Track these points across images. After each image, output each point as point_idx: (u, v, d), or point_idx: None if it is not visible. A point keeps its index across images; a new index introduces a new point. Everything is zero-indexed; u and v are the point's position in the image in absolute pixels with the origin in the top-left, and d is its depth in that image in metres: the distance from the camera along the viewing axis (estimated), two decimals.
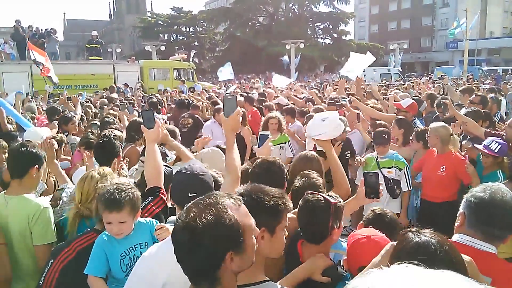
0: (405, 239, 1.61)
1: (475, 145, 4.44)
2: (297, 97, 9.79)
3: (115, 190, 2.24)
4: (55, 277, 2.19)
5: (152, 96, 12.65)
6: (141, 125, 2.68)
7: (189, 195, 1.95)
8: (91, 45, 20.31)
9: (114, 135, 3.69)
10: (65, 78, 16.61)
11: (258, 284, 1.67)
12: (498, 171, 3.96)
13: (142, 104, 9.90)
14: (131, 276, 1.95)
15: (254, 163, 2.83)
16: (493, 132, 4.56)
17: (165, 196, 2.59)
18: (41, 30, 19.28)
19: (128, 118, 6.41)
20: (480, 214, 2.00)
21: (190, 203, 1.42)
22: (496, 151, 3.95)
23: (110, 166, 3.42)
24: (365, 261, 1.94)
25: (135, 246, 2.32)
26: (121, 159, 3.66)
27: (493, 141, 4.03)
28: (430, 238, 1.56)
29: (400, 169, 4.68)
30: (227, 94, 2.91)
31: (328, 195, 2.27)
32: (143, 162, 3.83)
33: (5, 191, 2.88)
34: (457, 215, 2.13)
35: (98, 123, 6.25)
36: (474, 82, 17.86)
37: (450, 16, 48.88)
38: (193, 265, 1.35)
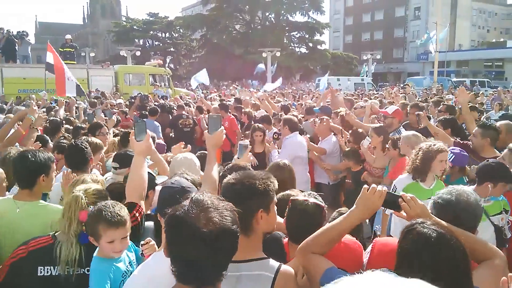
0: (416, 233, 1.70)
1: None
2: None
3: (111, 205, 2.17)
4: (5, 270, 2.17)
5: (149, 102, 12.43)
6: (132, 137, 2.58)
7: None
8: (64, 49, 19.84)
9: (80, 143, 3.61)
10: (37, 81, 16.23)
11: (260, 260, 1.86)
12: (464, 178, 4.17)
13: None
14: None
15: (226, 167, 2.91)
16: (462, 142, 4.75)
17: (139, 213, 2.44)
18: (11, 32, 18.78)
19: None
20: (447, 215, 2.11)
21: (193, 206, 1.42)
22: (450, 160, 4.09)
23: (80, 171, 3.37)
24: (338, 264, 2.02)
25: (130, 264, 2.25)
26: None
27: (449, 151, 4.15)
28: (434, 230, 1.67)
29: (507, 212, 3.47)
30: (212, 114, 3.01)
31: (315, 197, 2.42)
32: (115, 168, 3.78)
33: (13, 194, 2.82)
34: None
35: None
36: (445, 93, 18.50)
37: (421, 28, 50.52)
38: (213, 266, 1.41)
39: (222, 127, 2.65)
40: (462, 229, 1.98)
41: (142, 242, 2.27)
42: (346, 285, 0.71)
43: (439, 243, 1.62)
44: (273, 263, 1.89)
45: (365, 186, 1.98)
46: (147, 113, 8.72)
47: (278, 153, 5.75)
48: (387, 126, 6.14)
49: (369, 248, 2.28)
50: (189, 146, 4.50)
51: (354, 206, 1.97)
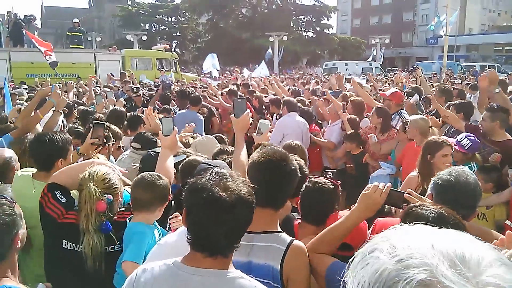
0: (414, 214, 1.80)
1: (447, 139, 4.64)
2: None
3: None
4: None
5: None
6: (160, 132, 2.74)
7: None
8: (72, 33, 19.82)
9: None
10: (45, 66, 16.27)
11: (274, 233, 1.95)
12: (471, 163, 4.15)
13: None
14: (143, 264, 1.98)
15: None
16: (474, 125, 4.72)
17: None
18: (19, 16, 18.76)
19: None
20: (446, 195, 2.18)
21: (212, 177, 1.51)
22: (466, 148, 4.11)
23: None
24: (345, 239, 2.07)
25: (161, 235, 2.41)
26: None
27: (465, 137, 4.18)
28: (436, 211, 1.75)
29: None
30: (237, 97, 3.07)
31: (331, 179, 2.50)
32: (134, 148, 3.89)
33: (33, 172, 2.80)
34: (425, 196, 2.31)
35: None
36: (455, 76, 18.33)
37: (431, 12, 49.64)
38: (227, 235, 1.47)
39: (248, 110, 2.68)
40: (462, 209, 2.03)
41: (170, 217, 2.42)
42: (396, 233, 0.72)
43: (438, 221, 1.65)
44: (286, 237, 1.94)
45: (369, 184, 2.01)
46: (169, 107, 7.64)
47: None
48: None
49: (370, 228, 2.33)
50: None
51: (357, 204, 2.00)
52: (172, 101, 8.35)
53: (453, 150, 4.29)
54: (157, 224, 2.46)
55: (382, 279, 0.63)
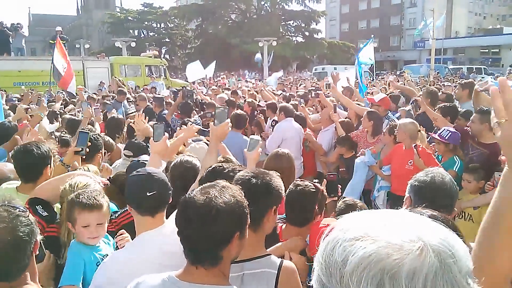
0: None
1: (430, 133, 4.78)
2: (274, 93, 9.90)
3: (89, 191, 2.21)
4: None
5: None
6: (151, 138, 2.80)
7: (148, 194, 1.95)
8: (55, 41, 19.68)
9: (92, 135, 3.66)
10: (32, 74, 16.16)
11: (262, 257, 1.87)
12: (454, 157, 4.37)
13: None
14: (91, 284, 1.92)
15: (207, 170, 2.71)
16: (462, 127, 4.77)
17: None
18: (5, 24, 18.57)
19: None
20: (424, 196, 2.21)
21: (203, 186, 1.52)
22: (446, 138, 4.35)
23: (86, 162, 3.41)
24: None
25: (105, 256, 2.24)
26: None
27: (445, 129, 4.43)
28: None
29: None
30: (219, 106, 3.18)
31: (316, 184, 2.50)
32: (126, 156, 3.88)
33: (18, 184, 2.77)
34: (404, 199, 2.35)
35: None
36: (442, 79, 18.55)
37: (418, 16, 50.25)
38: (204, 240, 1.42)
39: (228, 120, 2.72)
40: (439, 209, 2.00)
41: (116, 235, 2.35)
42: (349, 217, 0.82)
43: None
44: (275, 259, 1.89)
45: None
46: (188, 120, 6.08)
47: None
48: None
49: None
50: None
51: None
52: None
53: (436, 143, 4.51)
54: (107, 236, 2.37)
55: (328, 244, 0.78)
